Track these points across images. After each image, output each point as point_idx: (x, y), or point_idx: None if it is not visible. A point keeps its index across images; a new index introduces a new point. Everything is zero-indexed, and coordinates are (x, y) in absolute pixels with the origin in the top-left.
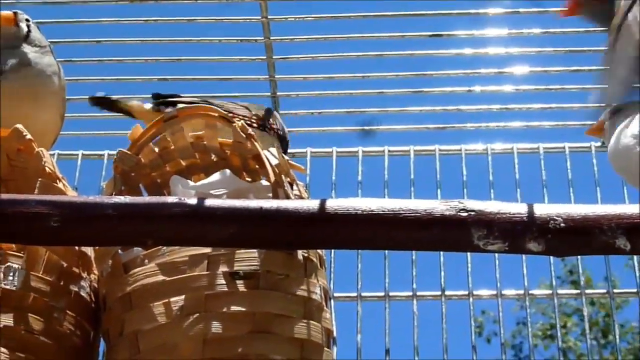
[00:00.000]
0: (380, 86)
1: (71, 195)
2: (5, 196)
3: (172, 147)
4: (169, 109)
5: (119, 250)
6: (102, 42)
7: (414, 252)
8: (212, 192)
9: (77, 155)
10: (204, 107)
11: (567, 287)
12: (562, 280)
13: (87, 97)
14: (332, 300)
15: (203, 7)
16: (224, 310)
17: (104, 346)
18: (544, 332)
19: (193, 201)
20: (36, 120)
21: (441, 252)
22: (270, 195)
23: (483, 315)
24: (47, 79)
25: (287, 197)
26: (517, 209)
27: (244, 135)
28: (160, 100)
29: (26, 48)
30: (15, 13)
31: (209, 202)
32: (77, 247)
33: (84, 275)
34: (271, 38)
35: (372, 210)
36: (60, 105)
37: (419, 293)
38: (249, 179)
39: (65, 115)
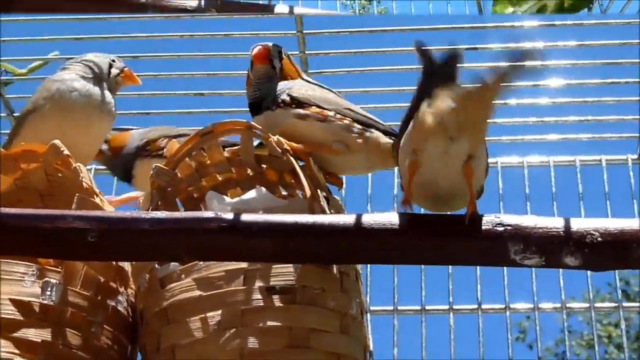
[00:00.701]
0: None
1: (108, 210)
2: (43, 211)
3: (209, 161)
4: None
5: (156, 265)
6: (139, 57)
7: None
8: (247, 209)
9: None
10: (239, 122)
11: (615, 296)
12: (612, 287)
13: (124, 112)
14: (368, 314)
15: (239, 21)
16: (261, 325)
17: None
18: (588, 342)
19: (229, 216)
20: (84, 142)
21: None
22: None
23: (528, 320)
24: (109, 114)
25: (323, 211)
26: (553, 223)
27: (280, 150)
28: None
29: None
30: None
31: (246, 217)
32: (114, 262)
33: (121, 290)
34: (306, 52)
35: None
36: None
37: (455, 306)
38: (285, 193)
39: None
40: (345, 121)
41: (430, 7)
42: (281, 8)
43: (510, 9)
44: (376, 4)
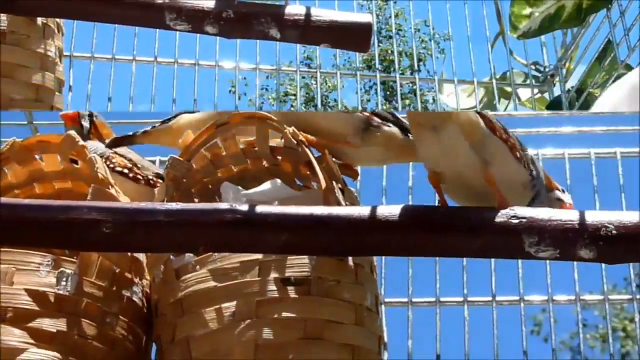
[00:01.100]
0: None
1: (123, 201)
2: (57, 203)
3: (224, 153)
4: None
5: (171, 256)
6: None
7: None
8: (262, 200)
9: None
10: (255, 113)
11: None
12: (628, 282)
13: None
14: (382, 306)
15: None
16: (275, 316)
17: (156, 351)
18: (602, 336)
19: (245, 207)
20: None
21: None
22: (322, 202)
23: (543, 313)
24: None
25: (338, 203)
26: (568, 215)
27: (295, 142)
28: None
29: None
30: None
31: (261, 208)
32: (129, 253)
33: (137, 280)
34: None
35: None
36: None
37: (469, 298)
38: (300, 185)
39: (117, 121)
40: (365, 113)
41: (447, 7)
42: (295, 9)
43: (527, 10)
44: (393, 4)
